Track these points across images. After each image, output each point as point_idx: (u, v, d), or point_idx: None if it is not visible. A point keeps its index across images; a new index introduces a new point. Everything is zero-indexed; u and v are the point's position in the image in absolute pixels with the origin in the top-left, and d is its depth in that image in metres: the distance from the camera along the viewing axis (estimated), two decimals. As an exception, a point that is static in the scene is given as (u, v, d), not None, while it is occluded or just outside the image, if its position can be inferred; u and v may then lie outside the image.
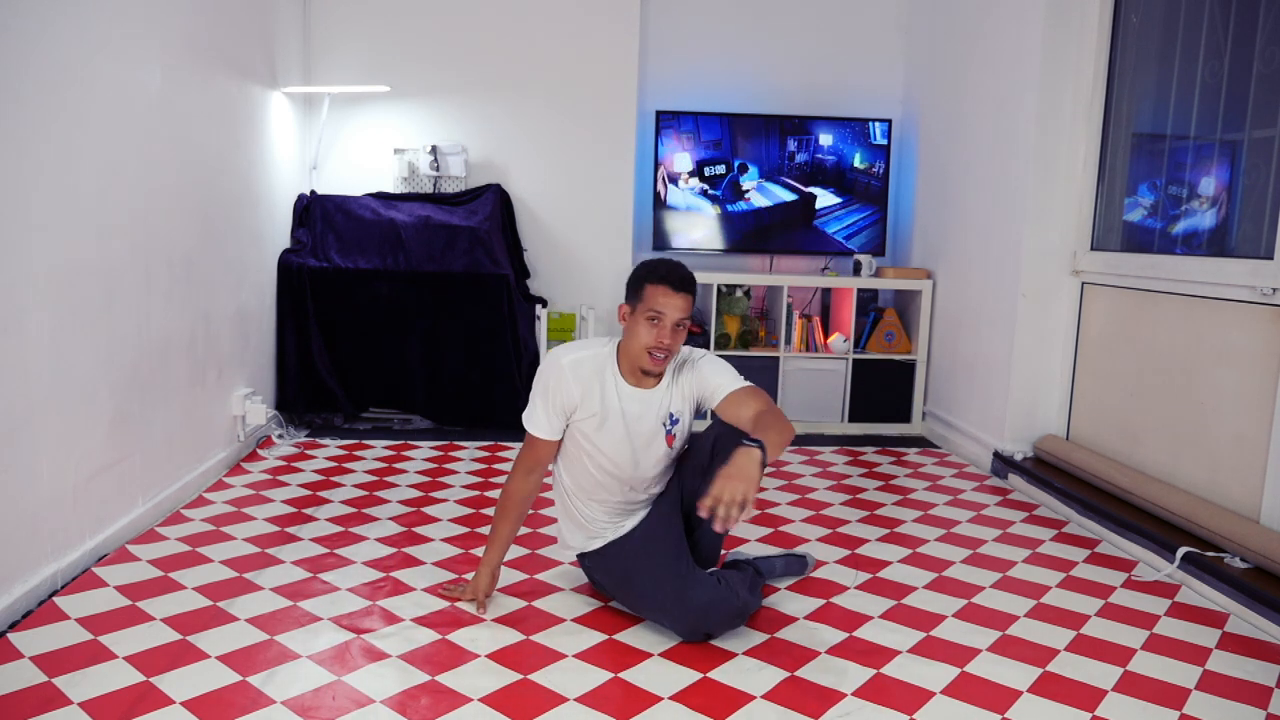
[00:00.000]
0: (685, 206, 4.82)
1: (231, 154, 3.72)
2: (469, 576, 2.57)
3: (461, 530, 3.07)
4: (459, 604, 2.47)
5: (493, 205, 4.60)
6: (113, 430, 2.76)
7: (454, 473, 3.73)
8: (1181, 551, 2.79)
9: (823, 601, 2.58)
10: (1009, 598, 2.65)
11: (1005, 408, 3.94)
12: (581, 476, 2.42)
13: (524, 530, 3.00)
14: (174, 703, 1.94)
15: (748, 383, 2.36)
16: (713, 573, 2.42)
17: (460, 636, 2.30)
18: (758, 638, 2.34)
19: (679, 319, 2.27)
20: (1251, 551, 2.64)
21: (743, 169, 4.85)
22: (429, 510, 3.26)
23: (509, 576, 2.67)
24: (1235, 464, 2.89)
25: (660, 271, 2.29)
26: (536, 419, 2.36)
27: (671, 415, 2.37)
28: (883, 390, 4.74)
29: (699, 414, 2.44)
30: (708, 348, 4.59)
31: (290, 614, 2.39)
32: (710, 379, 2.37)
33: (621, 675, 2.13)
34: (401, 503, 3.33)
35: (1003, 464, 3.89)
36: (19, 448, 2.31)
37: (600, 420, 2.32)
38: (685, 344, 2.39)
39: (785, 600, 2.58)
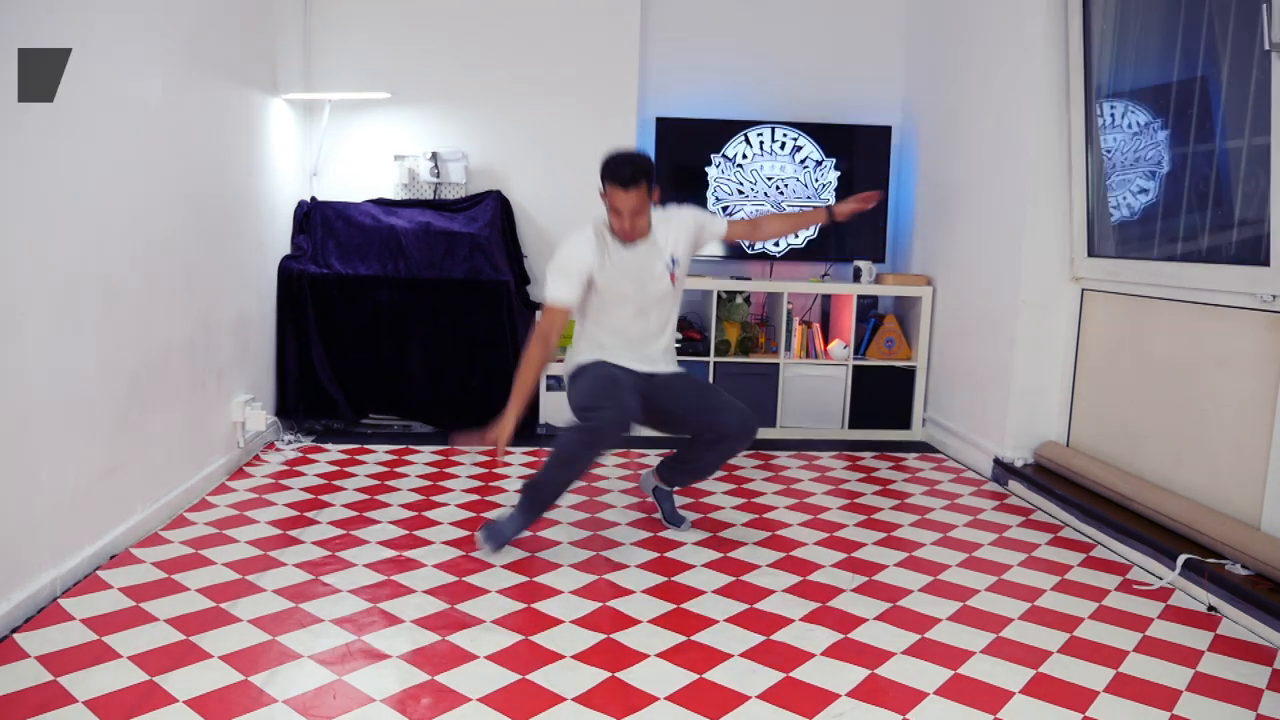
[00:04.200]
0: (685, 213, 4.83)
1: (232, 160, 3.75)
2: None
3: (462, 534, 3.08)
4: (478, 451, 3.26)
5: (493, 212, 4.63)
6: (113, 436, 2.78)
7: (454, 477, 3.75)
8: (1182, 559, 2.78)
9: (818, 604, 2.60)
10: (1003, 600, 2.66)
11: (1005, 414, 3.95)
12: (599, 313, 2.96)
13: (524, 533, 3.02)
14: (177, 701, 1.96)
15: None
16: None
17: (460, 637, 2.32)
18: (754, 639, 2.36)
19: (634, 208, 2.77)
20: (1252, 558, 2.64)
21: (742, 176, 4.87)
22: (430, 514, 3.28)
23: (508, 578, 2.70)
24: (1235, 471, 2.90)
25: (612, 170, 2.77)
26: (558, 289, 2.86)
27: (672, 258, 2.94)
28: (883, 396, 4.76)
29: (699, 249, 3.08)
30: (707, 354, 4.62)
31: (292, 615, 2.41)
32: (704, 221, 3.04)
33: (619, 675, 2.15)
34: (402, 506, 3.35)
35: (1003, 470, 3.90)
36: (20, 453, 2.33)
37: (613, 270, 2.88)
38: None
39: (781, 602, 2.60)
